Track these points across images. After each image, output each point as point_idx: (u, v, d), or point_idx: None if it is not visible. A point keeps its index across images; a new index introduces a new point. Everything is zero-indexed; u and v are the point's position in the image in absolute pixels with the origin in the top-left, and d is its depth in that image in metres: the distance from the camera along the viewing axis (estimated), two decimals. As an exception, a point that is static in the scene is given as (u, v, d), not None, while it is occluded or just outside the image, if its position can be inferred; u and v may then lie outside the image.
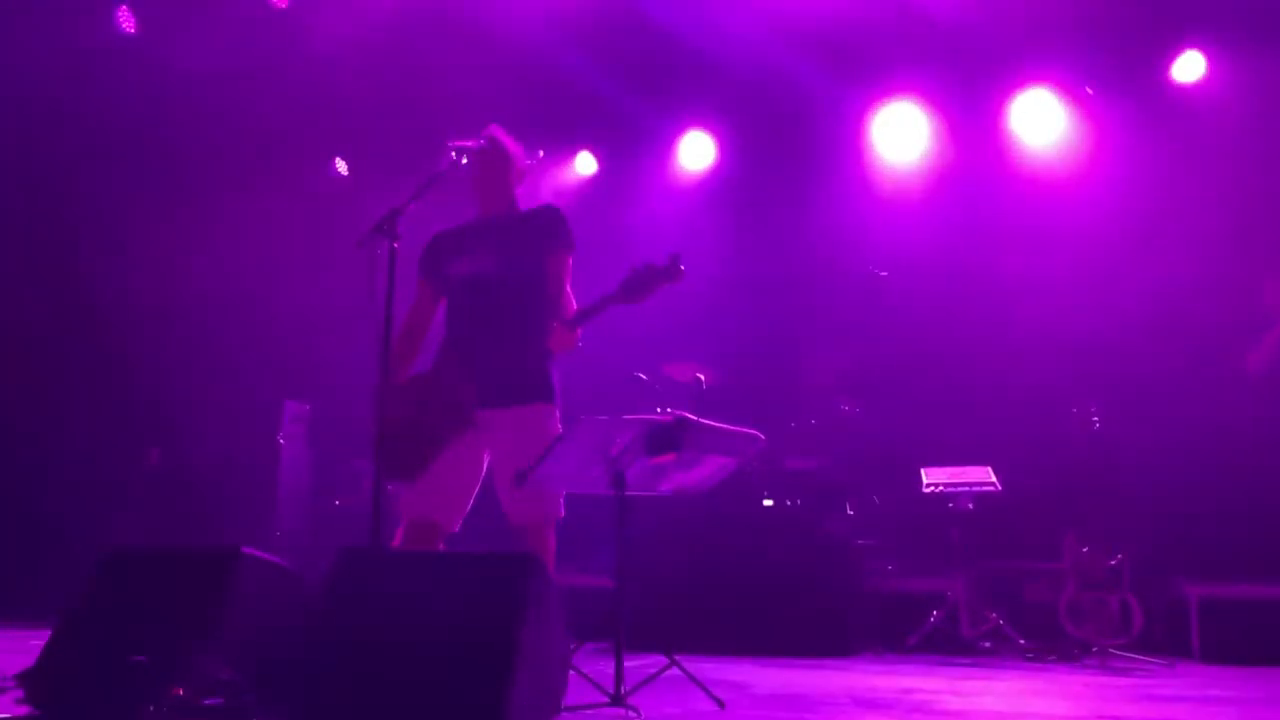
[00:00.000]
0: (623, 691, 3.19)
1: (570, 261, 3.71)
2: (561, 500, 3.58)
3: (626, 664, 3.25)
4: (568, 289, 3.68)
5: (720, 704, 3.38)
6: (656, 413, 6.20)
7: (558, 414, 3.65)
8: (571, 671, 3.07)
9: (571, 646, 3.11)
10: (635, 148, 8.40)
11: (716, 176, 8.42)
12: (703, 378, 6.55)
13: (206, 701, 2.67)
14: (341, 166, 8.40)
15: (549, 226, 3.72)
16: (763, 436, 3.57)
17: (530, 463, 3.35)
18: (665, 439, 3.30)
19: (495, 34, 6.97)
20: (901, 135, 7.83)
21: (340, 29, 6.97)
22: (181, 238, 7.56)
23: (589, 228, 7.94)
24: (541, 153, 4.07)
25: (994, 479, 5.89)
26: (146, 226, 7.43)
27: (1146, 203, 6.91)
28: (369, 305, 4.27)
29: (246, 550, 2.91)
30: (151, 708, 2.54)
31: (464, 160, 3.78)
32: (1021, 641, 5.57)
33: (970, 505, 5.92)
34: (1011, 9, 6.78)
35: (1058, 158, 7.42)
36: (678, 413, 3.38)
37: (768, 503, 6.24)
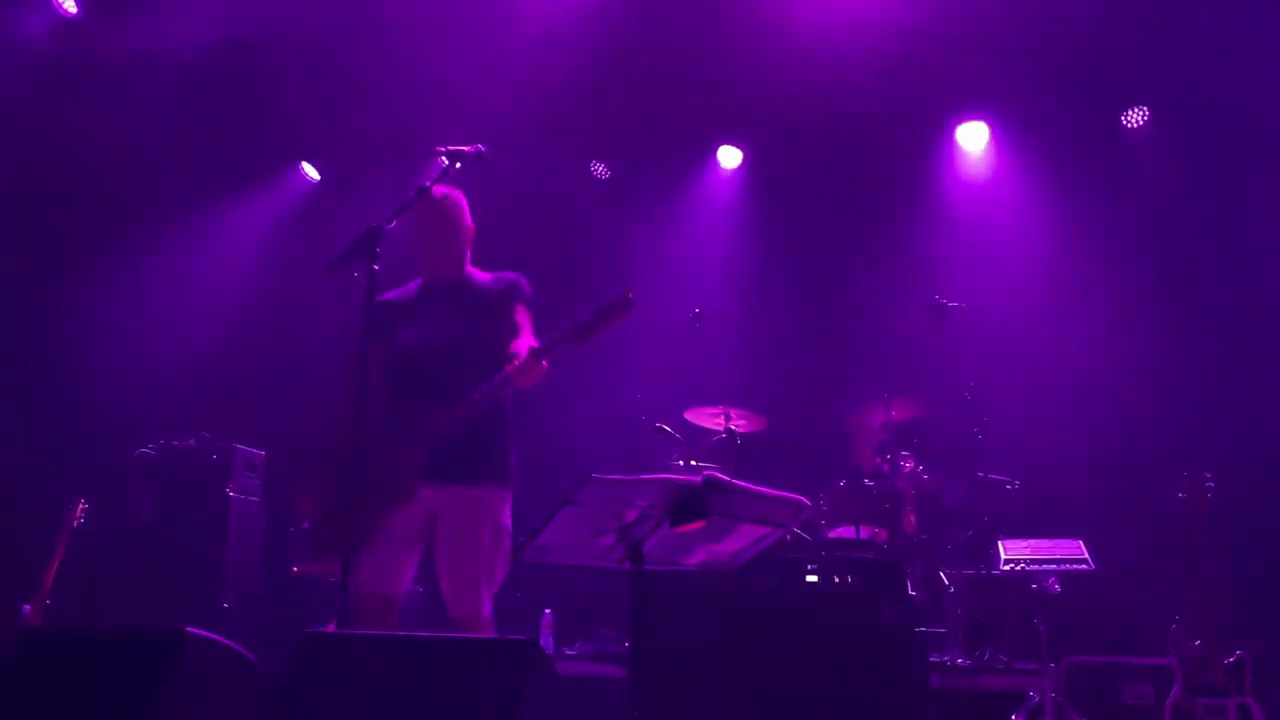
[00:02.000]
0: (638, 809, 3.17)
1: (530, 316, 4.02)
2: (486, 598, 3.74)
3: (642, 775, 3.23)
4: (527, 333, 3.95)
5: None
6: (681, 470, 6.28)
7: (510, 501, 3.87)
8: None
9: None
10: (659, 166, 8.54)
11: (752, 196, 8.54)
12: (736, 428, 6.55)
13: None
14: (311, 171, 8.50)
15: (509, 287, 4.08)
16: (807, 501, 3.57)
17: (474, 551, 3.68)
18: (691, 504, 3.29)
19: (502, 26, 7.09)
20: (977, 156, 8.00)
21: (315, 13, 7.08)
22: (116, 251, 7.64)
23: (605, 251, 8.12)
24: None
25: (1086, 555, 5.85)
26: (77, 239, 7.52)
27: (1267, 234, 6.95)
28: (342, 336, 4.37)
29: (192, 631, 2.92)
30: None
31: (457, 165, 3.90)
32: (1119, 754, 5.51)
33: (1057, 587, 5.86)
34: (1105, 25, 6.88)
35: (1155, 186, 7.51)
36: (707, 471, 3.38)
37: (812, 579, 6.20)
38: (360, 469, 3.55)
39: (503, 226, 8.34)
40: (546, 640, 6.82)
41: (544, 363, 3.63)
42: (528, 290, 4.10)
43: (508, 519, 3.87)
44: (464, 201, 4.21)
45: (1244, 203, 7.18)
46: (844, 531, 6.63)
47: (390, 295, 4.14)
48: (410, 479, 3.69)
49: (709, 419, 6.76)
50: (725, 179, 8.81)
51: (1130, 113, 7.66)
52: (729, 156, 8.72)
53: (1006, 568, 5.93)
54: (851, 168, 8.07)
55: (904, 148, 8.10)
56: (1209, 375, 6.90)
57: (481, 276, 4.19)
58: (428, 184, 3.88)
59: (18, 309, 7.41)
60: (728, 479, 3.35)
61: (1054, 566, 5.85)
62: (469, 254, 4.21)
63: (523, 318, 4.01)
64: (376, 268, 3.59)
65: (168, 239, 7.80)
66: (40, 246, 7.44)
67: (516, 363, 3.64)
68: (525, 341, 3.82)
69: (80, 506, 6.41)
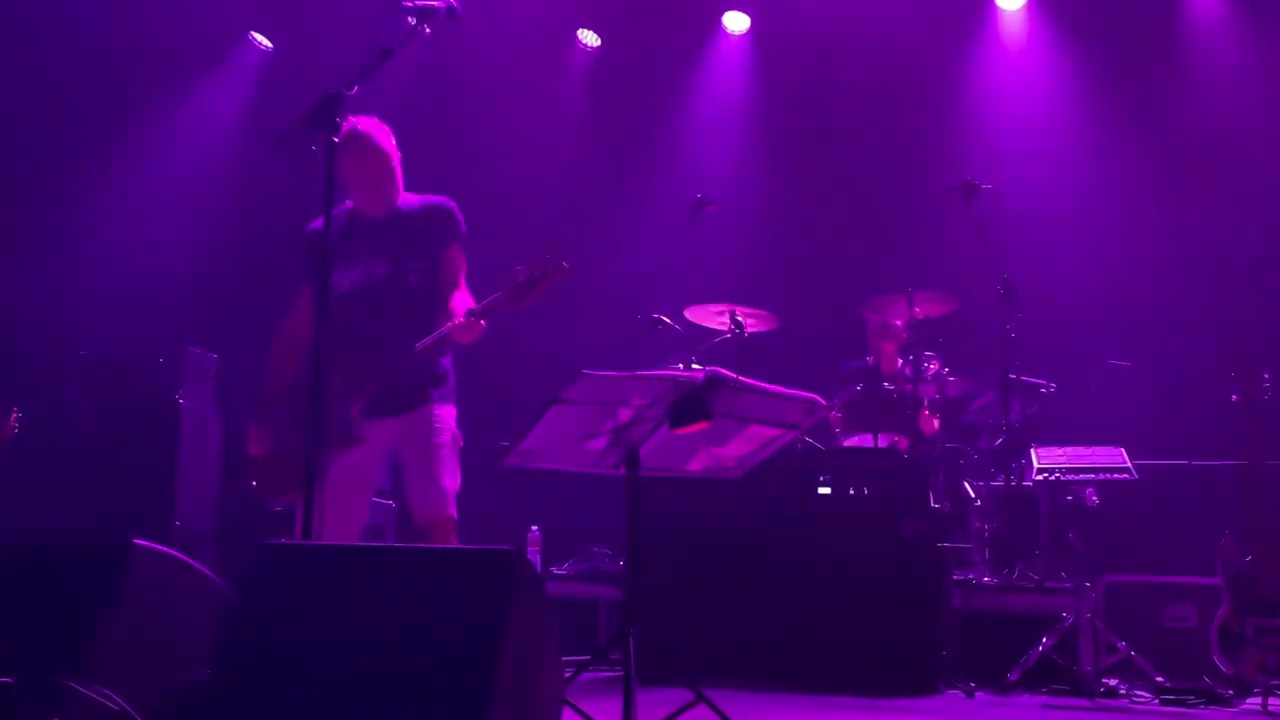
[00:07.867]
0: (633, 734, 3.23)
1: (464, 254, 4.37)
2: (452, 499, 4.16)
3: (639, 699, 3.28)
4: (463, 283, 4.30)
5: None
6: (682, 368, 6.29)
7: (452, 407, 4.30)
8: (566, 708, 3.10)
9: (566, 674, 3.14)
10: (656, 34, 8.43)
11: (759, 67, 8.45)
12: (743, 322, 6.54)
13: (88, 737, 2.71)
14: (262, 40, 8.35)
15: (441, 221, 4.38)
16: (822, 400, 3.57)
17: (437, 456, 4.10)
18: (693, 403, 3.30)
19: None
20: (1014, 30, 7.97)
21: None
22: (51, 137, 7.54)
23: (606, 130, 8.04)
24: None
25: (1128, 463, 5.86)
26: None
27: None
28: (299, 220, 4.36)
29: (140, 543, 2.94)
30: (18, 744, 2.58)
31: (426, 29, 3.85)
32: (1159, 679, 5.60)
33: (1095, 498, 5.90)
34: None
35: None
36: (710, 368, 3.38)
37: (825, 491, 6.25)
38: (306, 413, 3.78)
39: (483, 100, 8.34)
40: (533, 558, 6.90)
41: (482, 322, 3.99)
42: (461, 225, 4.38)
43: (456, 426, 4.29)
44: (388, 131, 4.37)
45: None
46: (861, 439, 6.67)
47: (318, 224, 4.09)
48: (356, 424, 4.05)
49: (713, 318, 6.73)
50: (730, 50, 8.71)
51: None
52: (735, 21, 8.63)
53: (1039, 477, 5.95)
54: (870, 37, 7.94)
55: (931, 17, 7.97)
56: (1265, 268, 6.89)
57: (411, 203, 4.42)
58: (393, 46, 3.82)
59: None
60: (734, 375, 3.35)
61: (1092, 476, 5.85)
62: (400, 184, 4.41)
63: (457, 258, 4.33)
64: (336, 140, 3.55)
65: (106, 138, 7.70)
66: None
67: (456, 321, 4.00)
68: (463, 299, 4.18)
69: (14, 415, 6.41)
